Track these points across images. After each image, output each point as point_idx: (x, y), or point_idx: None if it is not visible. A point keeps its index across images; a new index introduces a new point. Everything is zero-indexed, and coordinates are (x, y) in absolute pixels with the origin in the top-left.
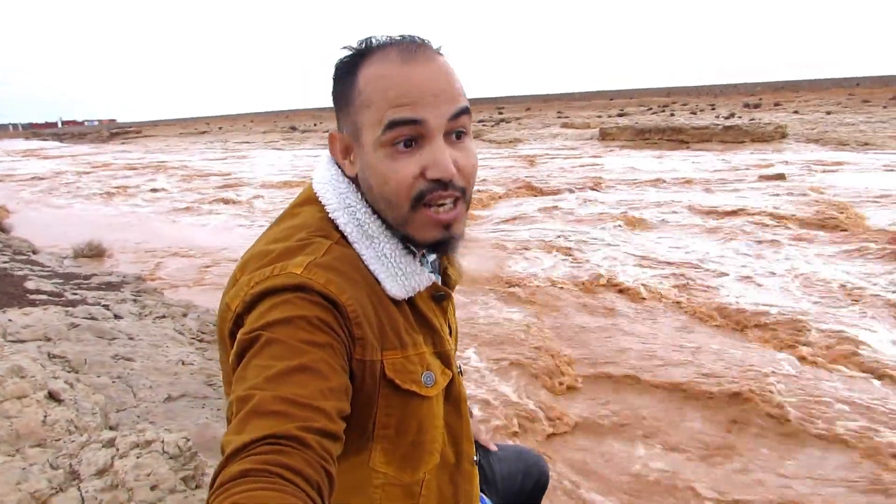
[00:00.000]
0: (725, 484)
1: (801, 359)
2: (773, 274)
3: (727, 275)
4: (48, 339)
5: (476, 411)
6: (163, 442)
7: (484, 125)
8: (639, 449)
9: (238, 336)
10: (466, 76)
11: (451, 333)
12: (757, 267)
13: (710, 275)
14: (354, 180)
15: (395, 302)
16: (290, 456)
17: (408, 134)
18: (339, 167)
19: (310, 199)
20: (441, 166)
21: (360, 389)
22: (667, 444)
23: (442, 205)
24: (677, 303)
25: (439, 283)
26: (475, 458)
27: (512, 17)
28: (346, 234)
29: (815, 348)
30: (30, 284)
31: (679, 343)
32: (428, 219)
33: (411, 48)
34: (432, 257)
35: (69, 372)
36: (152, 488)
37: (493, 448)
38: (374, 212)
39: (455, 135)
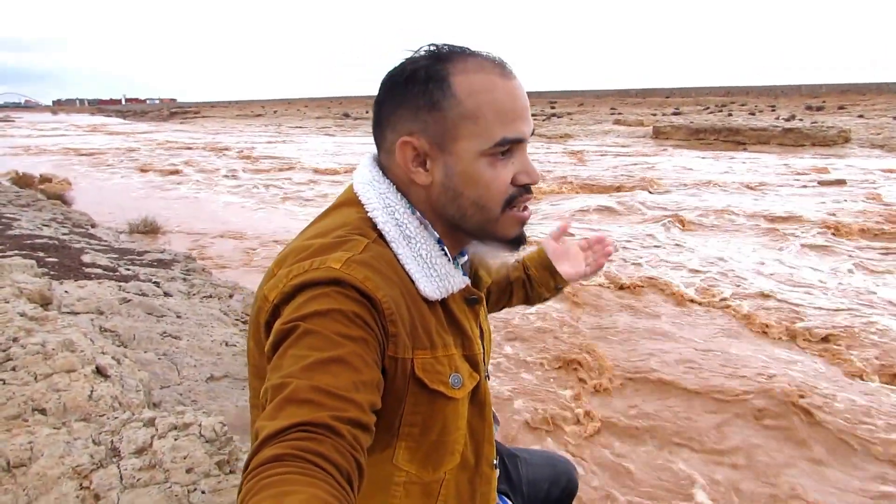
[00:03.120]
0: (761, 493)
1: (852, 374)
2: (825, 283)
3: (776, 281)
4: (101, 313)
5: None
6: (200, 425)
7: (535, 119)
8: (673, 454)
9: (275, 326)
10: (520, 70)
11: (482, 337)
12: (808, 275)
13: (758, 281)
14: (418, 186)
15: (428, 302)
16: (322, 443)
17: (512, 147)
18: (382, 170)
19: (350, 200)
20: (534, 174)
21: (390, 386)
22: (702, 450)
23: (525, 207)
24: (724, 308)
25: (472, 287)
26: (495, 461)
27: (569, 11)
28: (384, 233)
29: (866, 363)
30: (86, 258)
31: (721, 348)
32: (514, 218)
33: (501, 61)
34: (463, 259)
35: (118, 346)
36: (188, 471)
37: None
38: (413, 214)
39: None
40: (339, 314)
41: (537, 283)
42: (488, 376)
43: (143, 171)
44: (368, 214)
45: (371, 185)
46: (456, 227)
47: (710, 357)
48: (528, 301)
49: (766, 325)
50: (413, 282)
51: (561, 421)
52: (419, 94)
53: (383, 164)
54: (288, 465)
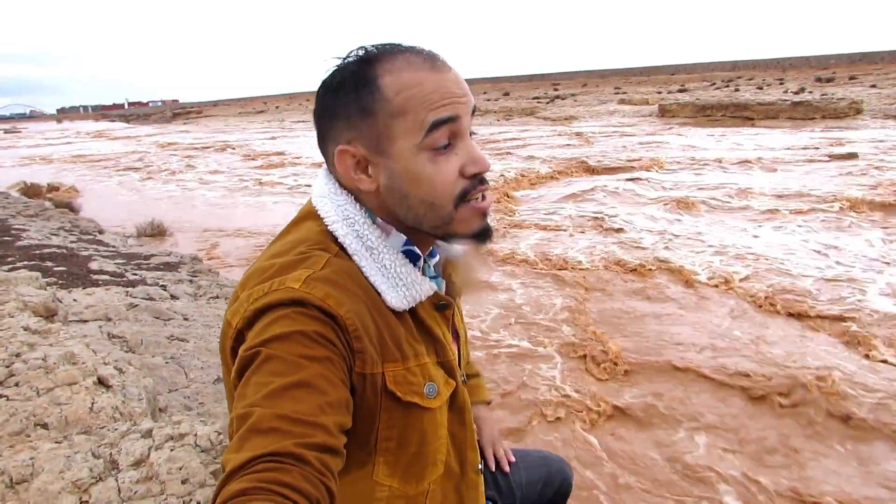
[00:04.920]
0: (778, 480)
1: (869, 356)
2: (840, 262)
3: (788, 260)
4: (108, 320)
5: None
6: (195, 435)
7: (539, 102)
8: (684, 440)
9: (239, 353)
10: (520, 52)
11: (458, 340)
12: (821, 253)
13: (768, 260)
14: (367, 193)
15: (396, 313)
16: (289, 473)
17: (448, 134)
18: (337, 181)
19: (310, 214)
20: (480, 161)
21: (361, 402)
22: (714, 435)
23: (483, 196)
24: (732, 288)
25: (442, 292)
26: (479, 466)
27: None
28: (345, 245)
29: (887, 346)
30: (93, 265)
31: (732, 331)
32: (471, 211)
33: (432, 54)
34: (434, 260)
35: (126, 352)
36: (183, 482)
37: (506, 466)
38: (374, 223)
39: (471, 132)
40: (301, 336)
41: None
42: (465, 381)
43: (149, 174)
44: (329, 228)
45: (328, 198)
46: (415, 230)
47: (724, 340)
48: None
49: (779, 306)
50: (379, 293)
51: (571, 409)
52: (351, 102)
53: (334, 176)
54: (255, 498)
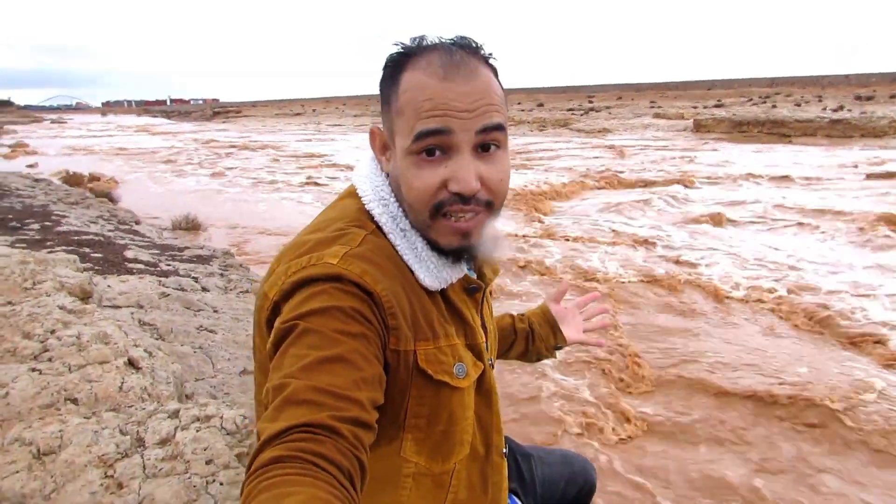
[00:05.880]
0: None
1: None
2: (873, 283)
3: (822, 279)
4: (140, 307)
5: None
6: (222, 417)
7: (573, 114)
8: (713, 457)
9: (275, 325)
10: (556, 63)
11: (486, 330)
12: (857, 273)
13: (801, 278)
14: (389, 175)
15: (428, 293)
16: (323, 444)
17: (433, 143)
18: (378, 162)
19: (350, 193)
20: (462, 181)
21: (393, 379)
22: (741, 453)
23: (462, 216)
24: (765, 305)
25: (472, 277)
26: (504, 450)
27: (606, 3)
28: (380, 224)
29: None
30: (129, 253)
31: (764, 348)
32: (446, 227)
33: (455, 59)
34: None
35: (156, 339)
36: (207, 462)
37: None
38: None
39: (484, 147)
40: (338, 311)
41: (539, 338)
42: (493, 365)
43: (186, 169)
44: (366, 206)
45: (367, 179)
46: None
47: (754, 358)
48: (524, 356)
49: (812, 325)
50: (412, 272)
51: (597, 422)
52: (384, 88)
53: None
54: (288, 466)
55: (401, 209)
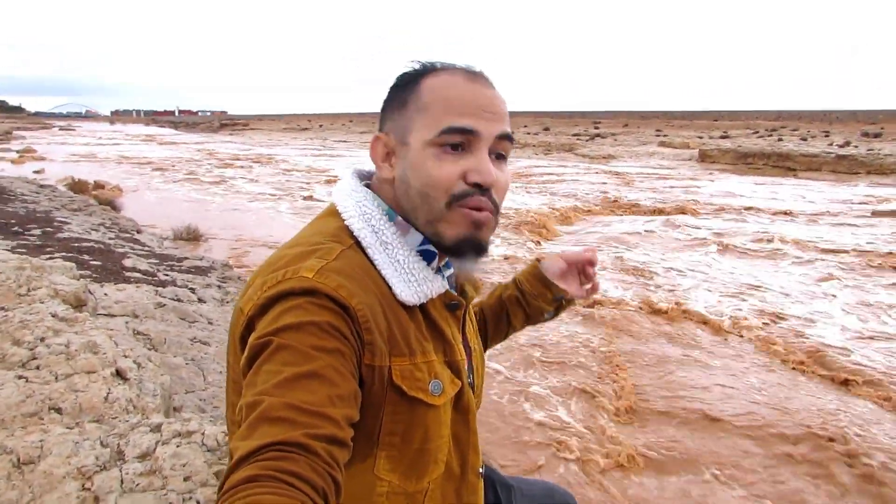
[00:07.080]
0: None
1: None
2: (881, 321)
3: (820, 316)
4: (135, 316)
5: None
6: (203, 434)
7: (578, 139)
8: (707, 490)
9: (249, 341)
10: (562, 88)
11: (470, 354)
12: (855, 311)
13: (800, 314)
14: (383, 184)
15: (406, 309)
16: (297, 463)
17: (460, 140)
18: (359, 180)
19: (329, 211)
20: (484, 172)
21: (368, 395)
22: (735, 486)
23: (479, 208)
24: (761, 340)
25: (453, 292)
26: (480, 469)
27: (616, 31)
28: (360, 239)
29: None
30: (127, 262)
31: (757, 382)
32: (462, 215)
33: (475, 71)
34: (449, 272)
35: (149, 349)
36: (185, 479)
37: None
38: (391, 220)
39: (496, 155)
40: (313, 326)
41: (532, 296)
42: (472, 384)
43: (191, 179)
44: (346, 223)
45: (349, 195)
46: (414, 226)
47: (746, 391)
48: (530, 320)
49: (806, 363)
50: (390, 287)
51: (589, 451)
52: (396, 97)
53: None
54: (262, 485)
55: (385, 221)
